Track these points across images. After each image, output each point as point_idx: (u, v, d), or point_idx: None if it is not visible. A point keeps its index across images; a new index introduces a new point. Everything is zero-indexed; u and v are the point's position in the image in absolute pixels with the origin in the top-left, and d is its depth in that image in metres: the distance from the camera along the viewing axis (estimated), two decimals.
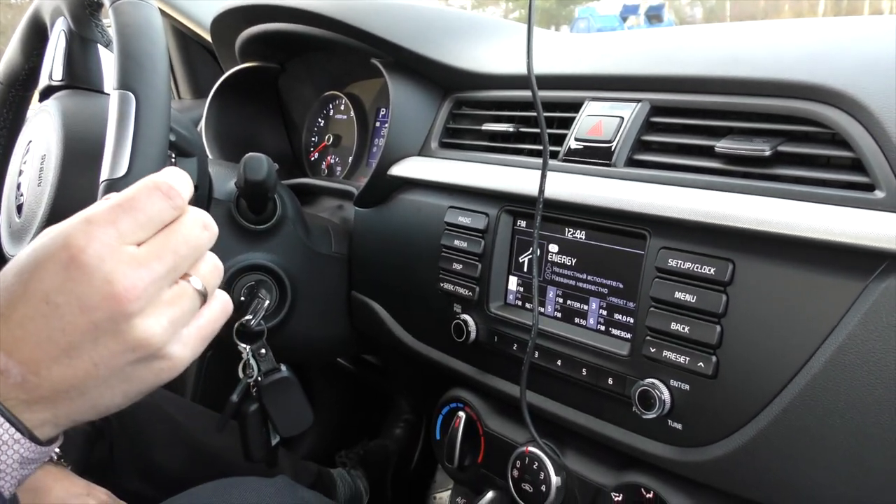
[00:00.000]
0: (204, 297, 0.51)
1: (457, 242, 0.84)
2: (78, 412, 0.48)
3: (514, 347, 0.78)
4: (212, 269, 0.52)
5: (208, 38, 1.39)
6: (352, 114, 1.23)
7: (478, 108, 0.92)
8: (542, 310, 0.78)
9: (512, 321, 0.79)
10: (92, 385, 0.47)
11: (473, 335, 0.82)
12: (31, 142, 0.84)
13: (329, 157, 1.27)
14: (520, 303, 0.81)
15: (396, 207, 0.94)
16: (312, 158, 1.30)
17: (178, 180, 0.50)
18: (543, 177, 0.71)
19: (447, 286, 0.85)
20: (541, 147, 0.74)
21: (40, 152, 0.81)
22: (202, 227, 0.51)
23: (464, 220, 0.84)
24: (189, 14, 1.44)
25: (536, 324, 0.72)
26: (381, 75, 0.99)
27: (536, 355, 0.75)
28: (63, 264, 0.45)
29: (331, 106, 1.28)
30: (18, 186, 0.83)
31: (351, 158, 1.21)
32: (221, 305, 0.53)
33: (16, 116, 0.97)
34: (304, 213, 0.99)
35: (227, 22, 1.20)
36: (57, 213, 0.75)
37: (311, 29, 1.07)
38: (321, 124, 1.30)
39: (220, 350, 1.43)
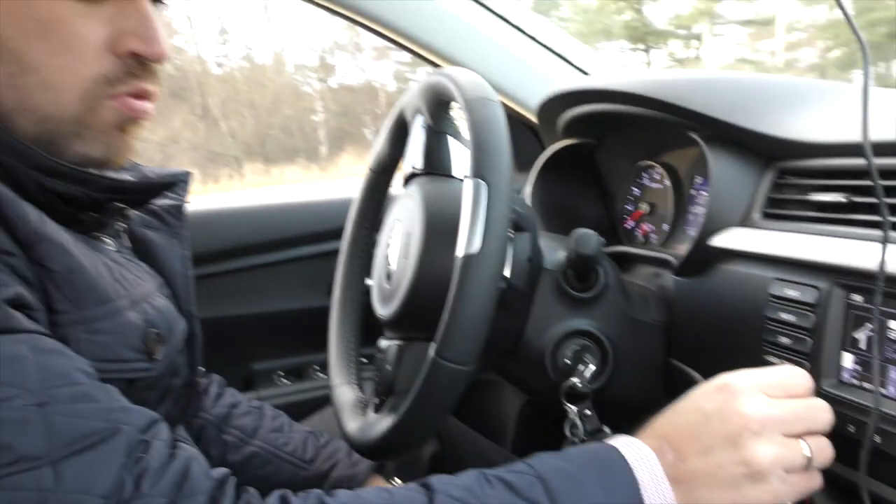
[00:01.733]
0: (808, 464, 0.67)
1: (782, 315, 0.83)
2: (693, 501, 0.66)
3: (852, 429, 0.75)
4: (822, 448, 0.69)
5: (530, 117, 1.53)
6: (667, 182, 1.26)
7: (804, 177, 0.91)
8: (883, 391, 0.73)
9: (847, 401, 0.75)
10: (711, 482, 0.65)
11: None
12: (397, 220, 1.01)
13: (645, 225, 1.31)
14: (856, 381, 0.77)
15: (717, 278, 0.95)
16: (629, 226, 1.35)
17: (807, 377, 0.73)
18: (884, 251, 0.68)
19: (773, 359, 0.84)
20: (878, 218, 0.71)
21: (405, 230, 0.97)
22: (822, 410, 0.70)
23: (790, 292, 0.83)
24: (515, 97, 1.60)
25: (878, 406, 0.69)
26: (697, 144, 1.01)
27: (878, 440, 0.71)
28: (717, 388, 0.70)
29: (646, 175, 1.33)
30: (387, 258, 1.00)
31: (667, 226, 1.24)
32: (814, 482, 0.69)
33: (382, 199, 1.16)
34: (624, 280, 1.05)
35: (551, 106, 1.32)
36: (420, 281, 0.89)
37: (629, 107, 1.13)
38: (637, 193, 1.35)
39: (542, 408, 1.53)
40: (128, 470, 0.57)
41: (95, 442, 0.57)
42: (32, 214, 0.68)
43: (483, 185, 0.79)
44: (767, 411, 0.67)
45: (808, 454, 0.67)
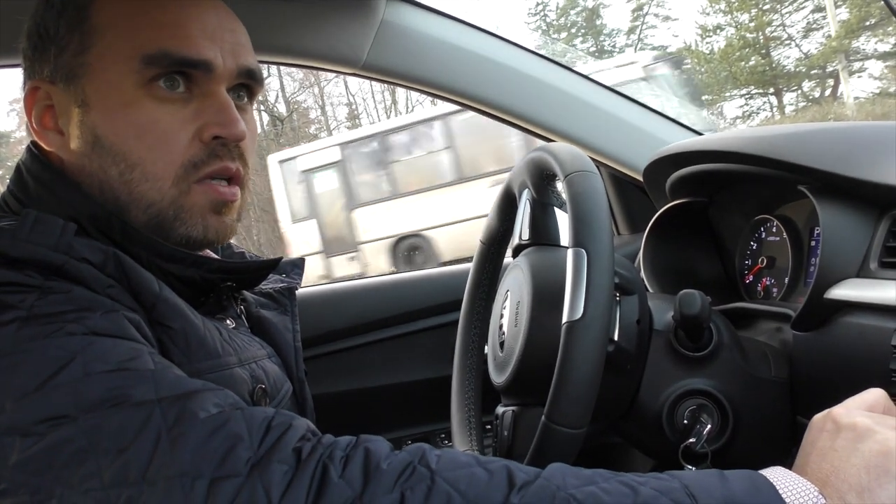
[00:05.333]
0: None
1: None
2: None
3: None
4: None
5: (640, 178, 1.55)
6: (784, 235, 1.24)
7: None
8: None
9: None
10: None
11: None
12: (508, 291, 1.06)
13: (764, 279, 1.29)
14: None
15: (836, 331, 0.93)
16: (748, 281, 1.33)
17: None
18: None
19: None
20: None
21: (515, 299, 1.01)
22: None
23: None
24: (622, 161, 1.63)
25: None
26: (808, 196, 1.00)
27: None
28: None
29: (762, 229, 1.31)
30: (501, 327, 1.05)
31: (787, 279, 1.21)
32: None
33: (495, 270, 1.22)
34: (741, 337, 1.03)
35: (657, 167, 1.34)
36: (530, 349, 0.93)
37: (736, 165, 1.14)
38: (754, 247, 1.33)
39: (665, 469, 1.50)
40: (230, 405, 0.68)
41: (197, 390, 0.68)
42: (153, 282, 0.82)
43: (583, 254, 0.83)
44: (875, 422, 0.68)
45: None
